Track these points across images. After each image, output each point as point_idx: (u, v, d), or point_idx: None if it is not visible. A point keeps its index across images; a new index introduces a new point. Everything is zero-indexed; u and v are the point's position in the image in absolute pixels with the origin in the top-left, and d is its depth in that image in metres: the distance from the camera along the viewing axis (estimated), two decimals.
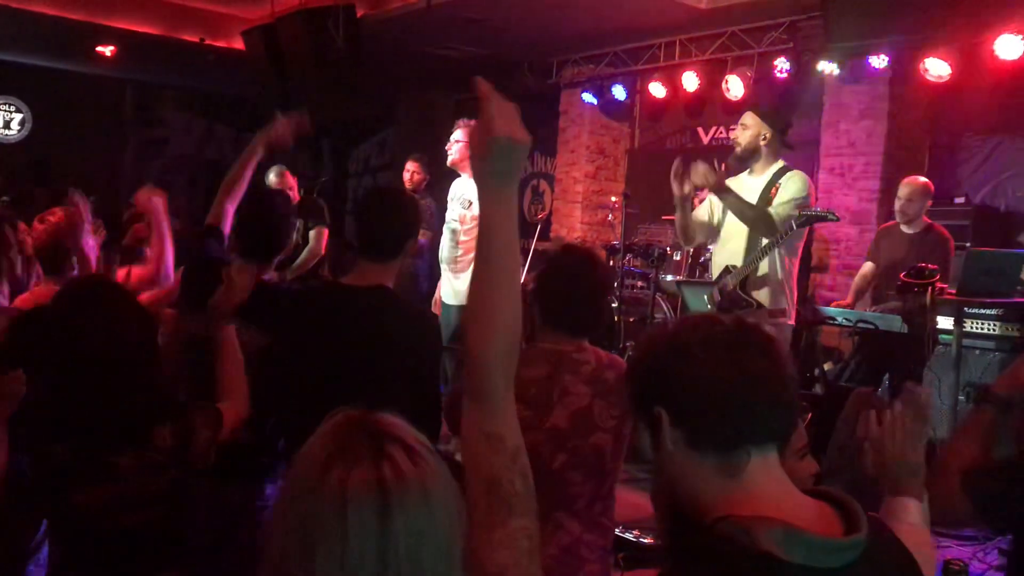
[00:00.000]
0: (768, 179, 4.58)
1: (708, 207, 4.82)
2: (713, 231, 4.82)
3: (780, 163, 4.66)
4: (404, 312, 2.72)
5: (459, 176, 6.11)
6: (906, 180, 5.82)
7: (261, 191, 3.32)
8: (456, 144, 5.85)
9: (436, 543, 1.08)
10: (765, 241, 4.46)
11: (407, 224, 2.75)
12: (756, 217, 4.50)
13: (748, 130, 4.62)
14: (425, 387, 2.66)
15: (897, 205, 5.76)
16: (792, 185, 4.51)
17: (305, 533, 1.04)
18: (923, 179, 5.85)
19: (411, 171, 7.47)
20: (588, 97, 9.39)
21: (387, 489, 1.05)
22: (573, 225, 9.83)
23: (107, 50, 10.14)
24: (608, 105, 9.49)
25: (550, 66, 9.74)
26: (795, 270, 4.67)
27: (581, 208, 9.69)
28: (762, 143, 4.60)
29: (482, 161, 1.34)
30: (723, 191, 4.53)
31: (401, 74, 10.27)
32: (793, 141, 5.02)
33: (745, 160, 4.65)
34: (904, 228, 5.76)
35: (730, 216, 4.66)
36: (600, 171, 9.86)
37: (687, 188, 4.53)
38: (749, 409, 1.32)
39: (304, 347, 2.73)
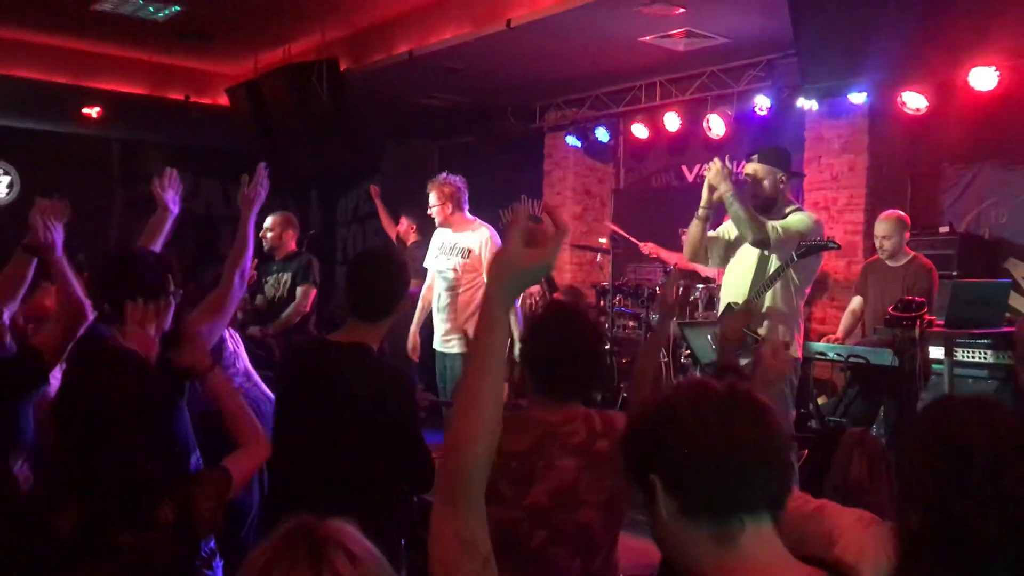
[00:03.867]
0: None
1: (726, 229, 4.75)
2: (725, 257, 4.74)
3: (794, 205, 4.66)
4: (377, 371, 2.77)
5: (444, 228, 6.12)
6: (881, 216, 5.88)
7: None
8: (433, 208, 5.94)
9: None
10: (771, 271, 4.45)
11: (395, 288, 2.84)
12: (750, 219, 4.40)
13: (762, 180, 4.60)
14: (403, 443, 2.71)
15: (876, 243, 5.82)
16: (797, 218, 4.51)
17: None
18: (897, 212, 5.89)
19: (405, 225, 7.63)
20: (572, 140, 9.48)
21: None
22: (562, 266, 9.86)
23: (93, 111, 10.21)
24: (592, 147, 9.58)
25: (533, 111, 9.84)
26: (802, 306, 4.65)
27: (569, 249, 9.72)
28: (781, 186, 4.59)
29: (500, 284, 1.42)
30: (727, 181, 4.44)
31: (385, 123, 10.35)
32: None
33: (767, 210, 4.58)
34: (888, 261, 5.80)
35: (738, 253, 4.65)
36: (587, 212, 9.92)
37: (716, 195, 4.46)
38: (741, 477, 1.32)
39: (285, 400, 2.89)
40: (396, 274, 2.87)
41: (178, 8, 7.93)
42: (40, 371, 2.79)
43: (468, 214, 6.03)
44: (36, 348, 2.82)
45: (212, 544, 2.83)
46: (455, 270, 5.99)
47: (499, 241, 5.94)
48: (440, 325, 6.11)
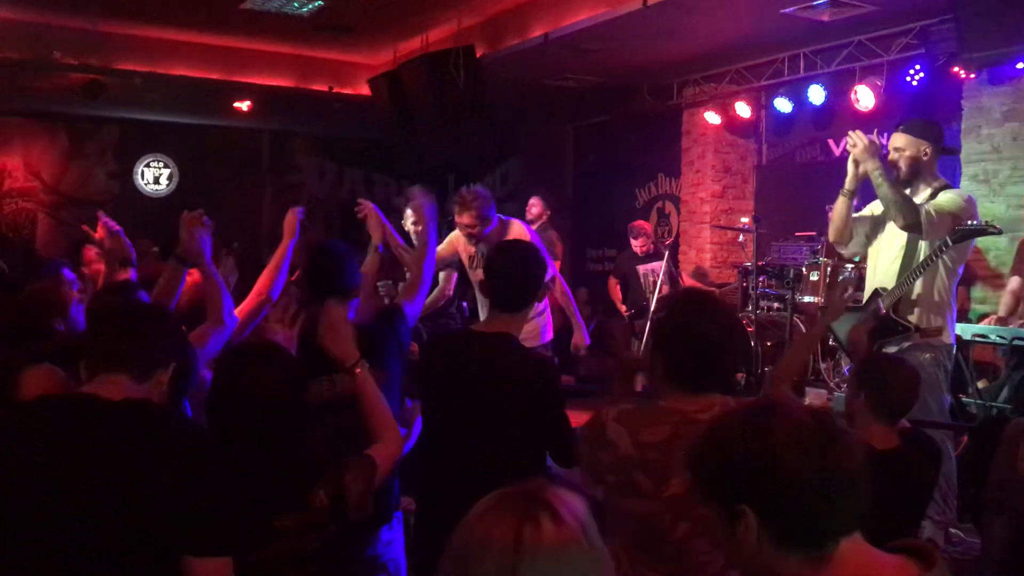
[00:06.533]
0: (928, 198, 4.34)
1: (871, 209, 4.54)
2: (869, 240, 4.54)
3: (941, 181, 4.41)
4: (521, 358, 2.86)
5: None
6: None
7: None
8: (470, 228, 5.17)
9: None
10: (921, 258, 4.24)
11: (533, 279, 2.91)
12: (901, 201, 4.17)
13: (906, 152, 4.36)
14: (550, 422, 2.83)
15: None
16: (948, 197, 4.25)
17: (457, 566, 1.23)
18: None
19: (532, 205, 7.66)
20: (711, 116, 9.27)
21: (522, 545, 1.18)
22: (702, 247, 9.68)
23: (244, 104, 10.69)
24: (732, 122, 9.34)
25: (670, 87, 9.67)
26: (954, 288, 4.40)
27: (709, 229, 9.53)
28: (924, 159, 4.36)
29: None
30: (873, 159, 4.22)
31: (520, 106, 10.40)
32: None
33: (908, 185, 4.35)
34: None
35: (884, 235, 4.44)
36: (728, 190, 9.69)
37: (861, 170, 4.26)
38: (839, 507, 1.34)
39: (433, 386, 2.98)
40: (533, 265, 2.93)
41: (321, 2, 8.19)
42: (191, 367, 2.94)
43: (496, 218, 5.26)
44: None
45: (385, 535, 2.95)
46: None
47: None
48: None
